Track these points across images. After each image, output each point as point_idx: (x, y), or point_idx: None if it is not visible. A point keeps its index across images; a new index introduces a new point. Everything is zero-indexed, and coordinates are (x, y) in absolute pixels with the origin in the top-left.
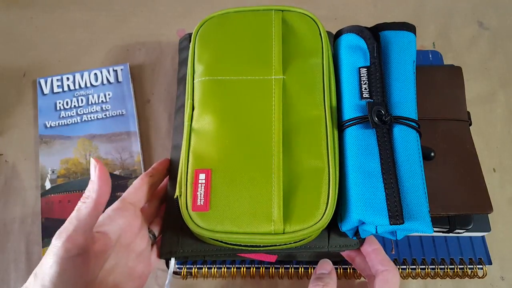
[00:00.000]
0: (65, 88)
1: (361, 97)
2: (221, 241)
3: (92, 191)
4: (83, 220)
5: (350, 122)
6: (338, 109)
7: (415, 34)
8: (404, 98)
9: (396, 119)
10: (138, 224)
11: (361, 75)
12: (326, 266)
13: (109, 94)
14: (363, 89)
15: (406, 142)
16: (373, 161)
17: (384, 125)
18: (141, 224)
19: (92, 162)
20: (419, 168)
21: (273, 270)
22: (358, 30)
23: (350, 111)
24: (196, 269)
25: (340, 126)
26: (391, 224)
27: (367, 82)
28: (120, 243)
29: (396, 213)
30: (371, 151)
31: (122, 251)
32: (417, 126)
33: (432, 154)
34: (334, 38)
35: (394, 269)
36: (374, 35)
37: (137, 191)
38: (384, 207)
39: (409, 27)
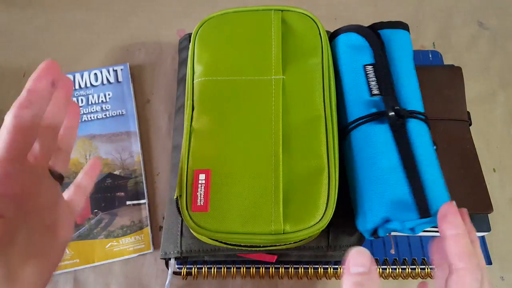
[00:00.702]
0: None
1: (371, 94)
2: (221, 242)
3: None
4: None
5: (362, 120)
6: (340, 109)
7: (409, 32)
8: (412, 93)
9: (410, 113)
10: (35, 180)
11: (367, 72)
12: (362, 260)
13: (109, 94)
14: (371, 86)
15: (421, 135)
16: (392, 156)
17: (400, 119)
18: (39, 177)
19: None
20: (435, 159)
21: (273, 270)
22: (358, 29)
23: (358, 109)
24: (196, 269)
25: (347, 126)
26: (421, 218)
27: (375, 79)
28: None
29: (424, 207)
30: (388, 147)
31: (30, 220)
32: (426, 118)
33: (435, 147)
34: (330, 38)
35: (476, 268)
36: (375, 33)
37: (16, 139)
38: (411, 202)
39: (404, 26)
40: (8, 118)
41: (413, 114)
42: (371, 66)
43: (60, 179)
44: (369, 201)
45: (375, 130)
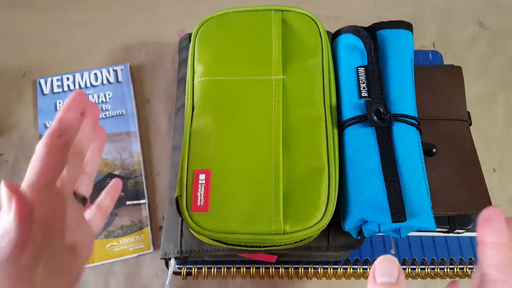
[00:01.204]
0: (65, 88)
1: (360, 96)
2: (221, 241)
3: (11, 231)
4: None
5: (350, 122)
6: (338, 109)
7: (412, 32)
8: (403, 96)
9: (395, 117)
10: (61, 204)
11: (359, 74)
12: (391, 270)
13: (109, 94)
14: (361, 88)
15: (406, 139)
16: (373, 159)
17: (383, 123)
18: (65, 201)
19: (3, 190)
20: (420, 165)
21: (273, 270)
22: (355, 30)
23: (349, 111)
24: (196, 269)
25: (340, 126)
26: (393, 222)
27: (365, 81)
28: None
29: (398, 211)
30: (371, 149)
31: (55, 242)
32: (416, 123)
33: (434, 150)
34: (332, 38)
35: None
36: (371, 35)
37: (46, 166)
38: (386, 205)
39: (406, 25)
40: (39, 146)
41: (399, 118)
42: (363, 68)
43: (84, 202)
44: (350, 202)
45: (360, 132)
